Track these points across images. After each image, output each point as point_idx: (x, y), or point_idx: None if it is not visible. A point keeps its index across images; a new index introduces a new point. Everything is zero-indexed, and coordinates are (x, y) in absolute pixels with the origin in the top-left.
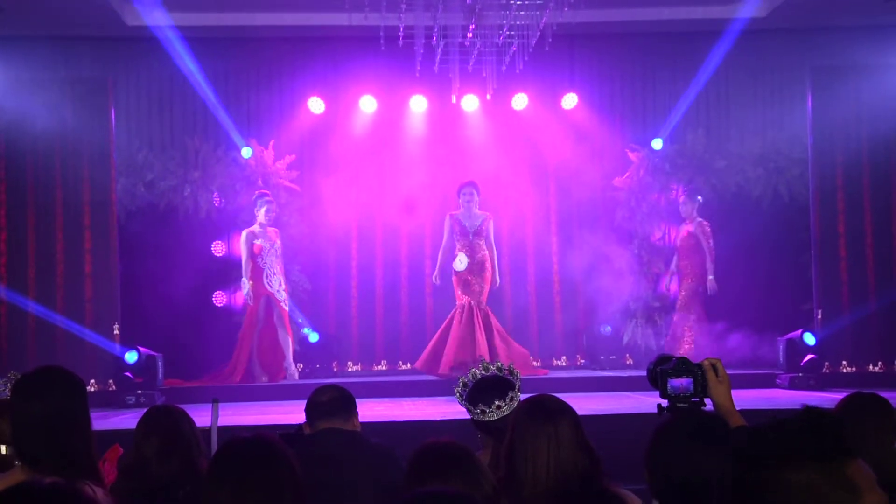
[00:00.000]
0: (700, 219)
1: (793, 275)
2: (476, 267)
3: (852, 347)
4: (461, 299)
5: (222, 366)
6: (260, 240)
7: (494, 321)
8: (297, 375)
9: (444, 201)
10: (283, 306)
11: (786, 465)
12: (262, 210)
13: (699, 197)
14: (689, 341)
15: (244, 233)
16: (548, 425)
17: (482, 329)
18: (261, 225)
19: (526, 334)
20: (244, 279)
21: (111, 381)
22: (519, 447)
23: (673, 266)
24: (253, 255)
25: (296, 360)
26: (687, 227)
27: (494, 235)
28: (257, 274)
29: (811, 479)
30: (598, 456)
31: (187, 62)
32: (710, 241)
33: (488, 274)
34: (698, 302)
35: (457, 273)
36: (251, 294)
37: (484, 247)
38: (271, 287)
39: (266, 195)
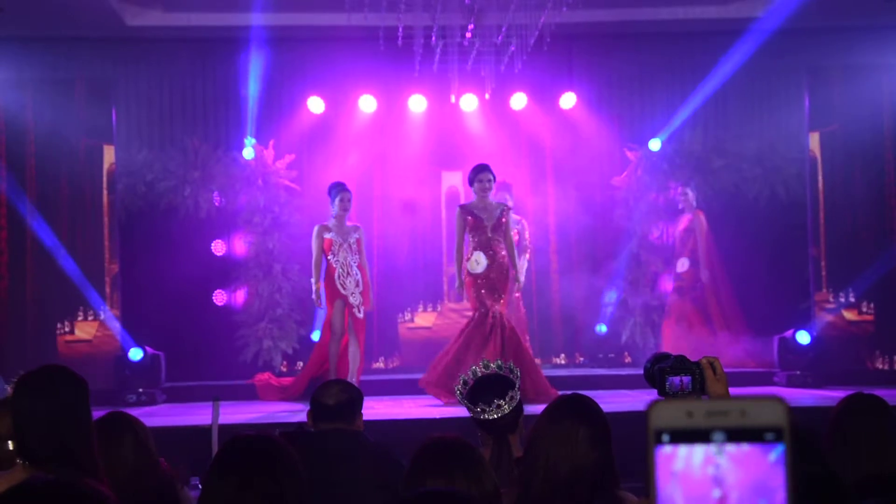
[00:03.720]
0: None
1: (790, 274)
2: (496, 268)
3: (851, 345)
4: (477, 308)
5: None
6: (332, 234)
7: (519, 336)
8: None
9: (442, 200)
10: (357, 313)
11: None
12: (336, 200)
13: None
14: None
15: (316, 227)
16: (567, 425)
17: (510, 349)
18: (337, 218)
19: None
20: (312, 280)
21: (112, 378)
22: (539, 440)
23: None
24: (323, 252)
25: (297, 360)
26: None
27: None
28: (330, 274)
29: None
30: (616, 471)
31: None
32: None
33: (510, 278)
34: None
35: (472, 275)
36: (320, 298)
37: (504, 244)
38: (344, 289)
39: (339, 184)
